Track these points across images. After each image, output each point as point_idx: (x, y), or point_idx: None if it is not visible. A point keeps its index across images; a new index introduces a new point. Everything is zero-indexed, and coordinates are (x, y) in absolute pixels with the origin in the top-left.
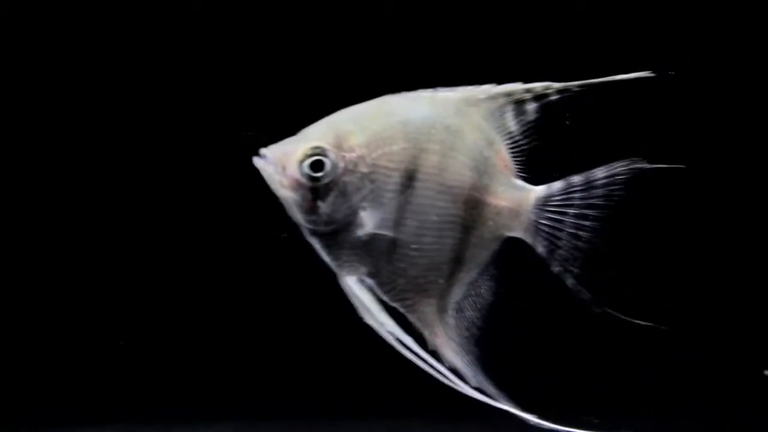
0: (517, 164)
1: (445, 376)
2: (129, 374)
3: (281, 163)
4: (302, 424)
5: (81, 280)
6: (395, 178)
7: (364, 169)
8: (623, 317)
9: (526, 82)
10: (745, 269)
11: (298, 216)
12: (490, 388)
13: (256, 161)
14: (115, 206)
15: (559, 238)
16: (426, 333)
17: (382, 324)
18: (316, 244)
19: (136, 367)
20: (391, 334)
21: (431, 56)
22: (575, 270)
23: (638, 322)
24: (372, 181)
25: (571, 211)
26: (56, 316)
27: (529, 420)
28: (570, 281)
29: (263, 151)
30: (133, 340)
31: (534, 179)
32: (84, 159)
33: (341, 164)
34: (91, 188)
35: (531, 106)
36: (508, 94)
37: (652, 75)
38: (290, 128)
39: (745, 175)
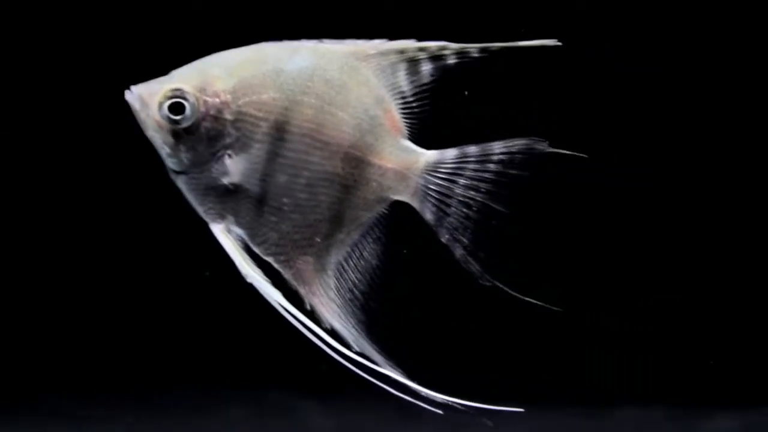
0: (409, 127)
1: (321, 338)
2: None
3: (145, 102)
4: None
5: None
6: (263, 129)
7: (228, 116)
8: (513, 293)
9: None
10: (638, 250)
11: (162, 155)
12: (374, 354)
13: (127, 96)
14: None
15: (448, 205)
16: (302, 291)
17: (246, 276)
18: (181, 185)
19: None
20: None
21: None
22: (465, 240)
23: (529, 300)
24: (237, 129)
25: (462, 180)
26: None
27: (416, 389)
28: (459, 252)
29: (132, 87)
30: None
31: (428, 145)
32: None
33: (202, 109)
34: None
35: (426, 68)
36: (401, 51)
37: (558, 44)
38: None
39: (647, 156)
